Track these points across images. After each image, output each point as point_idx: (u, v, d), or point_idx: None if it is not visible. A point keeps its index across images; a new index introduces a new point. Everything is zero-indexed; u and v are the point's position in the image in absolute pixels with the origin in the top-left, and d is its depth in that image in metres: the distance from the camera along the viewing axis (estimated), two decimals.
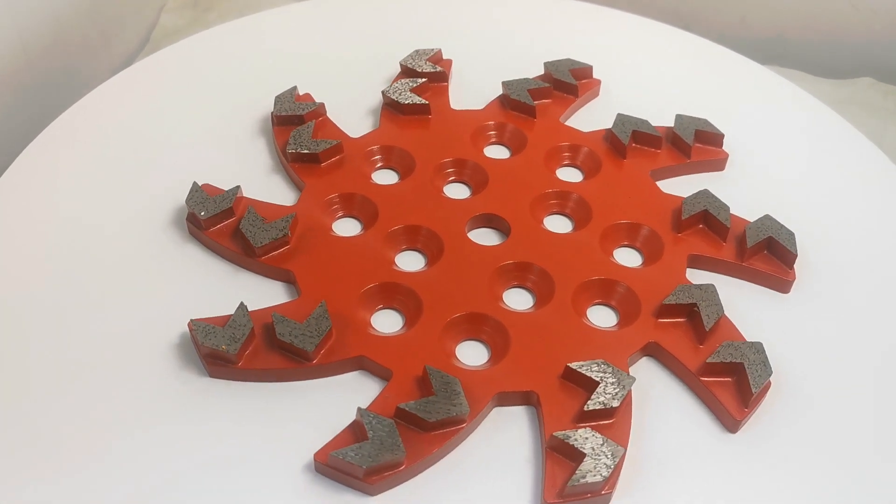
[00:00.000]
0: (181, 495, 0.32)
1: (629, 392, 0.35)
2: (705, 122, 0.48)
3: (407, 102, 0.48)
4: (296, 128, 0.46)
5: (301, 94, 0.49)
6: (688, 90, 0.53)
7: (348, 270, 0.40)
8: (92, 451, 0.33)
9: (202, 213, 0.41)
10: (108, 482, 0.32)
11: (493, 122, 0.49)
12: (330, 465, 0.32)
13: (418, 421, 0.33)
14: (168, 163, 0.46)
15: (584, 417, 0.34)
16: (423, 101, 0.49)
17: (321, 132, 0.47)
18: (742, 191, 0.46)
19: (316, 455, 0.33)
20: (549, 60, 0.52)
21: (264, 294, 0.39)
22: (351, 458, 0.32)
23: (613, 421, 0.34)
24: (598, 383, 0.35)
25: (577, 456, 0.32)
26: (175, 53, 0.55)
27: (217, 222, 0.41)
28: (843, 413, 0.36)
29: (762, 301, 0.41)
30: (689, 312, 0.38)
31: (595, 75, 0.52)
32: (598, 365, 0.35)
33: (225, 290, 0.40)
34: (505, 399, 0.35)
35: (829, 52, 0.71)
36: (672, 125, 0.48)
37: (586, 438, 0.33)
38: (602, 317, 0.39)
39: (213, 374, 0.36)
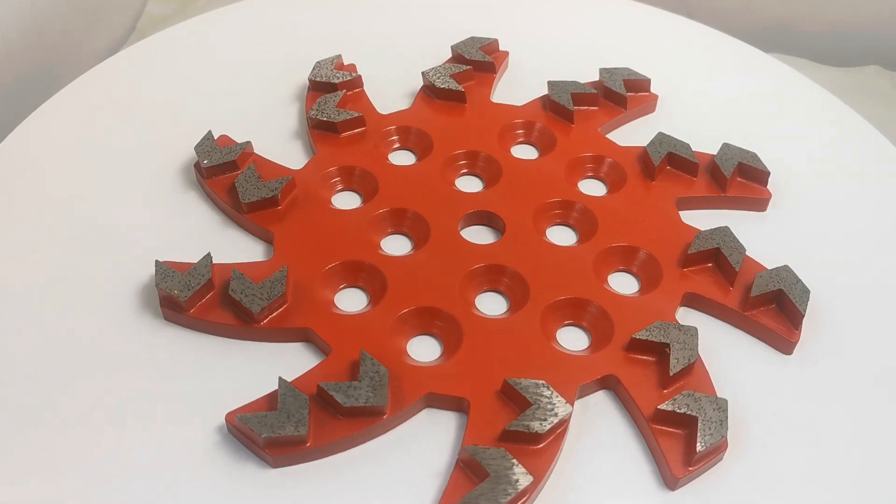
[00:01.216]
0: (99, 424, 0.33)
1: (564, 422, 0.32)
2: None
3: (443, 87, 0.47)
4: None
5: (346, 63, 0.49)
6: (744, 112, 0.50)
7: (326, 243, 0.39)
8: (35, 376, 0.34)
9: (205, 161, 0.41)
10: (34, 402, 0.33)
11: (522, 121, 0.47)
12: (236, 427, 0.32)
13: (334, 403, 0.32)
14: (155, 153, 0.45)
15: (507, 437, 0.32)
16: (459, 87, 0.47)
17: (351, 104, 0.47)
18: (678, 128, 0.45)
19: (227, 415, 0.32)
20: (607, 67, 0.49)
21: (244, 251, 0.40)
22: (253, 425, 0.31)
23: (540, 447, 0.32)
24: (531, 405, 0.32)
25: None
26: (162, 41, 0.53)
27: (219, 173, 0.41)
28: (874, 310, 0.37)
29: (759, 357, 0.37)
30: (660, 352, 0.35)
31: (659, 89, 0.49)
32: (539, 387, 0.33)
33: (211, 241, 0.40)
34: (436, 401, 0.34)
35: (835, 40, 0.69)
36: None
37: (495, 458, 0.31)
38: (571, 339, 0.37)
39: (166, 318, 0.36)
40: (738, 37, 0.56)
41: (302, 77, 0.49)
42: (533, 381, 0.33)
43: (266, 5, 0.57)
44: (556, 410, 0.32)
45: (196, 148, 0.42)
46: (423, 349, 0.36)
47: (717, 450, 0.32)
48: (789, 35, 0.70)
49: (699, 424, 0.32)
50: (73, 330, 0.36)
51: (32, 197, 0.42)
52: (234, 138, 0.44)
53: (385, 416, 0.33)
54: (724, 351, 0.37)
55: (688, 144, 0.44)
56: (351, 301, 0.38)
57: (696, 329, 0.35)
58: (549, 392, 0.33)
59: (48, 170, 0.44)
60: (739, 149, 0.44)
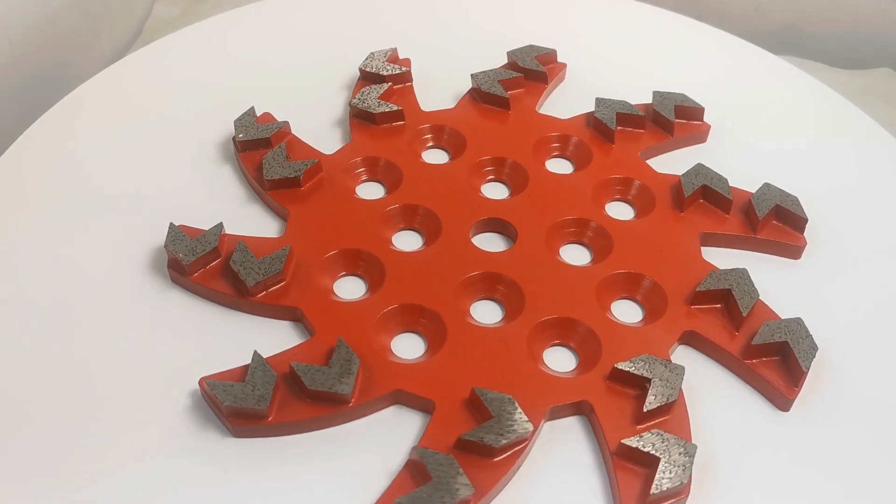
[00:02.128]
0: (80, 372, 0.34)
1: (522, 440, 0.32)
2: (683, 96, 0.46)
3: (487, 91, 0.47)
4: (263, 152, 0.43)
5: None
6: (698, 79, 0.51)
7: (336, 229, 0.40)
8: None
9: (241, 135, 0.42)
10: None
11: (558, 134, 0.46)
12: (205, 392, 0.33)
13: (301, 384, 0.32)
14: (162, 162, 0.45)
15: (462, 446, 0.32)
16: (505, 93, 0.47)
17: (396, 97, 0.47)
18: (730, 161, 0.45)
19: (200, 380, 0.33)
20: (512, 49, 0.50)
21: (261, 227, 0.40)
22: (219, 392, 0.32)
23: (494, 461, 0.31)
24: (492, 417, 0.32)
25: (647, 460, 0.31)
26: (169, 45, 0.53)
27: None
28: (889, 378, 0.36)
29: (773, 270, 0.40)
30: (641, 386, 0.34)
31: (714, 118, 0.48)
32: (504, 401, 0.32)
33: (233, 213, 0.41)
34: (405, 399, 0.34)
35: (845, 42, 0.69)
36: (649, 102, 0.47)
37: (441, 464, 0.30)
38: (558, 359, 0.36)
39: (171, 279, 0.37)
40: (747, 38, 0.55)
41: (345, 75, 0.50)
42: (500, 394, 0.33)
43: (276, 8, 0.57)
44: (515, 427, 0.32)
45: (235, 122, 0.43)
46: (408, 346, 0.36)
47: (675, 495, 0.31)
48: (799, 37, 0.70)
49: (660, 465, 0.31)
50: (87, 279, 0.38)
51: (43, 197, 0.42)
52: (278, 117, 0.45)
53: (349, 406, 0.33)
54: (716, 396, 0.35)
55: (725, 179, 0.42)
56: (349, 290, 0.38)
57: (682, 368, 0.34)
58: (514, 408, 0.32)
59: (60, 171, 0.44)
60: (780, 190, 0.42)
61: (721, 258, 0.40)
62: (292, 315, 0.37)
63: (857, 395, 0.35)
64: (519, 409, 0.32)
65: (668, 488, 0.30)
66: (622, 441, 0.32)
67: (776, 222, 0.41)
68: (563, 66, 0.51)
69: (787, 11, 0.69)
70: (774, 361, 0.35)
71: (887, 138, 0.48)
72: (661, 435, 0.32)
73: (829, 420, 0.34)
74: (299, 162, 0.42)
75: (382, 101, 0.46)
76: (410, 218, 0.41)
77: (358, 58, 0.50)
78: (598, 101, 0.46)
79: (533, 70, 0.49)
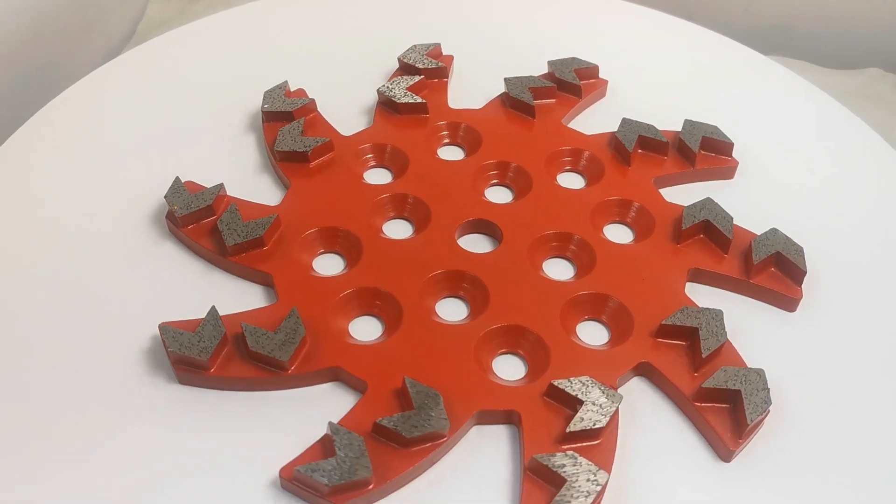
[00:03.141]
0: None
1: (616, 412, 0.33)
2: (715, 129, 0.46)
3: (403, 102, 0.47)
4: (285, 125, 0.44)
5: (293, 89, 0.48)
6: (693, 84, 0.52)
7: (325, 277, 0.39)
8: (55, 458, 0.32)
9: (178, 210, 0.39)
10: (67, 490, 0.31)
11: (486, 123, 0.47)
12: (295, 480, 0.31)
13: (397, 437, 0.32)
14: (152, 159, 0.45)
15: (568, 439, 0.32)
16: (420, 99, 0.47)
17: (312, 130, 0.46)
18: (749, 198, 0.44)
19: (281, 470, 0.31)
20: (553, 59, 0.50)
21: (239, 296, 0.38)
22: (316, 476, 0.30)
23: (599, 442, 0.32)
24: (582, 402, 0.33)
25: (556, 481, 0.31)
26: (162, 45, 0.54)
27: (195, 220, 0.40)
28: (847, 445, 0.34)
29: (765, 319, 0.39)
30: (690, 335, 0.36)
31: (603, 73, 0.50)
32: (584, 383, 0.33)
33: (198, 290, 0.38)
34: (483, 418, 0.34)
35: (835, 42, 0.70)
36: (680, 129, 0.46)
37: (565, 463, 0.31)
38: (592, 333, 0.37)
39: (182, 381, 0.35)
40: (736, 39, 0.56)
41: (250, 105, 0.48)
42: (427, 387, 0.33)
43: (267, 8, 0.57)
44: (432, 423, 0.32)
45: (265, 93, 0.44)
46: (366, 329, 0.37)
47: (763, 418, 0.33)
48: (789, 37, 0.70)
49: (564, 487, 0.30)
50: (83, 405, 0.34)
51: (24, 213, 0.42)
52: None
53: (286, 373, 0.34)
54: (659, 433, 0.34)
55: (730, 217, 0.41)
56: (326, 266, 0.39)
57: (620, 397, 0.33)
58: (436, 403, 0.32)
59: (38, 186, 0.43)
60: (786, 238, 0.40)
61: (713, 299, 0.39)
62: (264, 280, 0.38)
63: (807, 463, 0.34)
64: (441, 406, 0.32)
65: (759, 413, 0.32)
66: (534, 456, 0.31)
67: (775, 270, 0.39)
68: (605, 82, 0.50)
69: (778, 11, 0.69)
70: (724, 409, 0.34)
71: (877, 140, 0.48)
72: (575, 458, 0.31)
73: (770, 478, 0.33)
74: (311, 138, 0.43)
75: (408, 92, 0.47)
76: (401, 207, 0.42)
77: (240, 97, 0.49)
78: (624, 122, 0.46)
79: (568, 83, 0.48)
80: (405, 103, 0.47)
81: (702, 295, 0.39)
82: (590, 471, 0.31)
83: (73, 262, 0.40)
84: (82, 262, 0.39)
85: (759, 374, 0.34)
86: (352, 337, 0.36)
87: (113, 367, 0.35)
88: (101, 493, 0.31)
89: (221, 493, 0.31)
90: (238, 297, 0.38)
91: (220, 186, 0.41)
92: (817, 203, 0.44)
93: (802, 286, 0.39)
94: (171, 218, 0.40)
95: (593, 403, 0.33)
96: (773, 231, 0.39)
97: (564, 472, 0.31)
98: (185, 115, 0.48)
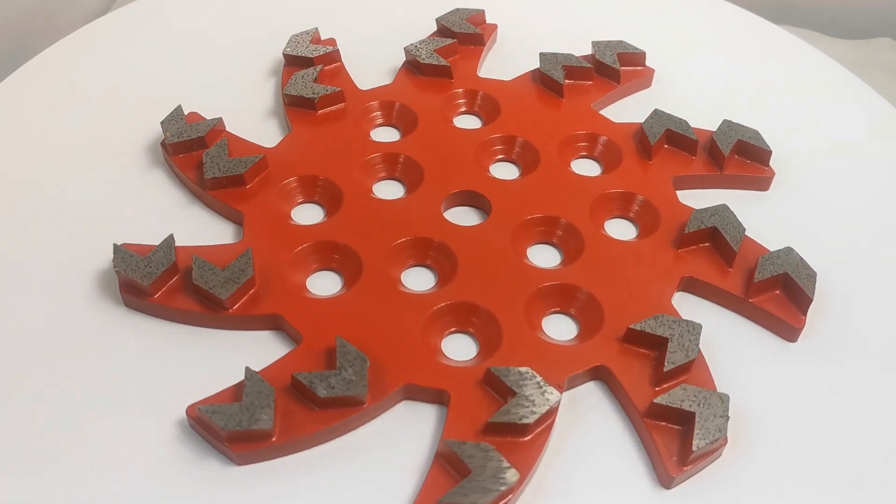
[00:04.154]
0: (55, 415, 0.31)
1: (551, 411, 0.30)
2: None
3: (426, 62, 0.44)
4: (201, 152, 0.40)
5: (324, 38, 0.46)
6: (759, 88, 0.48)
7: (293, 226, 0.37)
8: None
9: (169, 136, 0.39)
10: None
11: (510, 96, 0.44)
12: (197, 420, 0.30)
13: (311, 395, 0.30)
14: (167, 97, 0.43)
15: (491, 430, 0.30)
16: (444, 62, 0.45)
17: (329, 80, 0.44)
18: (780, 215, 0.40)
19: (188, 408, 0.30)
20: (599, 40, 0.47)
21: (212, 232, 0.37)
22: (215, 418, 0.29)
23: (527, 440, 0.30)
24: (514, 393, 0.30)
25: (463, 471, 0.28)
26: (145, 6, 0.51)
27: (185, 149, 0.39)
28: (813, 496, 0.30)
29: (760, 346, 0.35)
30: (660, 346, 0.33)
31: (656, 63, 0.47)
32: (522, 374, 0.31)
33: (174, 220, 0.38)
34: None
35: (844, 11, 0.67)
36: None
37: (475, 454, 0.28)
38: (558, 327, 0.34)
39: (127, 304, 0.34)
40: (743, 7, 0.54)
41: (268, 61, 0.47)
42: (518, 368, 0.31)
43: (158, 6, 0.53)
44: (545, 398, 0.30)
45: (162, 123, 0.40)
46: (325, 283, 0.35)
47: (716, 448, 0.30)
48: (797, 6, 0.67)
49: (696, 420, 0.29)
50: (26, 316, 0.34)
51: (27, 135, 0.42)
52: (205, 115, 0.41)
53: (363, 407, 0.31)
54: (722, 338, 0.34)
55: (685, 121, 0.41)
56: (323, 286, 0.36)
57: (700, 326, 0.32)
58: (538, 379, 0.30)
59: (11, 142, 0.42)
60: (740, 126, 0.41)
61: (707, 316, 0.35)
62: (237, 218, 0.37)
63: (853, 316, 0.35)
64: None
65: (709, 442, 0.29)
66: (445, 440, 0.29)
67: (780, 293, 0.35)
68: (651, 71, 0.47)
69: None
70: (777, 295, 0.35)
71: (890, 110, 0.46)
72: (487, 451, 0.29)
73: (837, 346, 0.34)
74: (321, 86, 0.41)
75: (434, 54, 0.45)
76: (392, 167, 0.40)
77: (276, 42, 0.47)
78: (654, 113, 0.42)
79: (608, 66, 0.45)
80: (428, 64, 0.45)
81: (694, 309, 0.36)
82: (499, 468, 0.28)
83: (60, 177, 0.39)
84: (70, 177, 0.39)
85: (723, 398, 0.30)
86: (307, 290, 0.35)
87: (70, 285, 0.35)
88: (21, 402, 0.31)
89: (130, 425, 0.30)
90: (212, 232, 0.37)
91: (218, 120, 0.40)
92: (855, 230, 0.40)
93: (807, 316, 0.34)
94: (128, 290, 0.34)
95: (526, 398, 0.30)
96: (788, 250, 0.35)
97: (472, 462, 0.28)
98: (208, 60, 0.47)
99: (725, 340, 0.34)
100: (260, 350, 0.33)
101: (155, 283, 0.33)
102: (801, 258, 0.35)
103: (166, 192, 0.40)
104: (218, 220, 0.38)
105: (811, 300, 0.34)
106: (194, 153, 0.39)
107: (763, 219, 0.39)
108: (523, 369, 0.31)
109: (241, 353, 0.33)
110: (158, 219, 0.38)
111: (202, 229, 0.38)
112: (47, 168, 0.40)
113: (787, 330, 0.34)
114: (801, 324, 0.34)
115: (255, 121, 0.43)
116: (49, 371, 0.32)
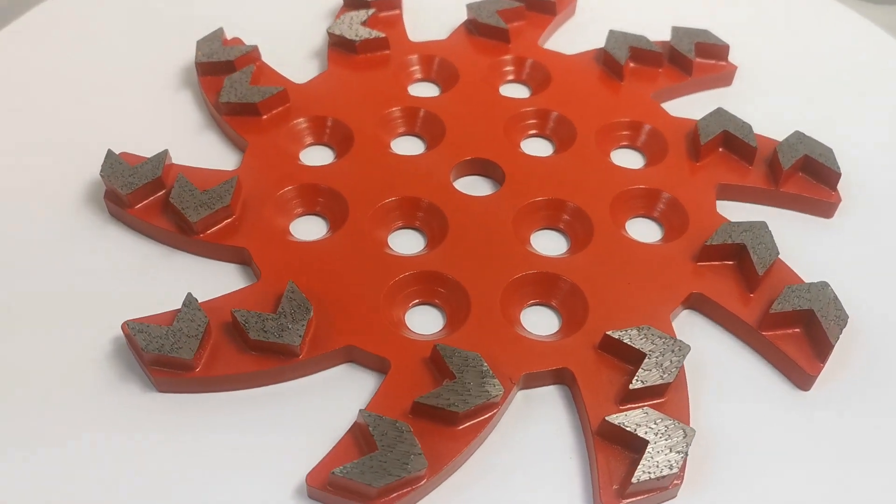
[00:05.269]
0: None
1: (489, 405, 0.27)
2: (706, 32, 0.41)
3: (484, 22, 0.42)
4: (227, 76, 0.38)
5: (228, 38, 0.41)
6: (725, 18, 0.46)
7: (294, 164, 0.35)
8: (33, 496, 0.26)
9: (123, 189, 0.33)
10: None
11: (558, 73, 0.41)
12: (330, 486, 0.25)
13: (445, 414, 0.27)
14: (74, 129, 0.38)
15: (420, 412, 0.27)
16: (503, 25, 0.42)
17: (382, 26, 0.42)
18: (753, 103, 0.40)
19: (308, 477, 0.26)
20: (680, 26, 0.42)
21: (208, 278, 0.32)
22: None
23: (665, 400, 0.28)
24: (455, 378, 0.27)
25: (635, 444, 0.26)
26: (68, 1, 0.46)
27: (143, 197, 0.33)
28: None
29: (802, 228, 0.35)
30: (738, 254, 0.32)
31: (744, 59, 0.43)
32: (468, 358, 0.28)
33: (157, 279, 0.32)
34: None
35: None
36: (669, 39, 0.42)
37: (389, 433, 0.26)
38: (536, 321, 0.31)
39: (110, 213, 0.33)
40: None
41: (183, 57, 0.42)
42: (634, 328, 0.29)
43: None
44: (675, 352, 0.28)
45: (198, 42, 0.39)
46: (309, 228, 0.34)
47: (662, 486, 0.26)
48: None
49: (648, 450, 0.26)
50: (14, 210, 0.34)
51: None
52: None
53: (296, 360, 0.29)
54: (720, 369, 0.30)
55: (749, 125, 0.37)
56: (308, 231, 0.34)
57: (688, 347, 0.29)
58: (658, 335, 0.29)
59: (41, 65, 0.41)
60: (813, 140, 0.37)
61: (743, 215, 0.35)
62: (239, 256, 0.33)
63: (888, 373, 0.31)
64: (487, 368, 0.28)
65: (654, 477, 0.26)
66: (606, 418, 0.27)
67: (803, 175, 0.36)
68: None
69: None
70: (796, 333, 0.30)
71: None
72: (651, 415, 0.27)
73: (856, 401, 0.30)
74: (264, 87, 0.37)
75: (363, 28, 0.41)
76: (412, 123, 0.38)
77: None
78: (611, 34, 0.41)
79: (537, 0, 0.43)
80: (486, 24, 0.42)
81: (700, 332, 0.32)
82: (408, 452, 0.25)
83: (89, 89, 0.39)
84: (12, 263, 0.32)
85: (687, 432, 0.27)
86: (289, 233, 0.33)
87: (75, 381, 0.29)
88: None
89: (64, 334, 0.30)
90: (218, 159, 0.36)
91: (253, 48, 0.38)
92: (826, 99, 0.41)
93: (825, 364, 0.30)
94: (111, 198, 0.33)
95: (463, 385, 0.27)
96: (822, 285, 0.31)
97: (382, 440, 0.26)
98: (105, 76, 0.41)
99: (724, 373, 0.30)
100: (229, 284, 0.32)
101: (134, 195, 0.33)
102: (835, 297, 0.30)
103: (188, 113, 0.39)
104: (228, 147, 0.37)
105: (839, 174, 0.33)
106: (222, 76, 0.39)
107: (816, 249, 0.34)
108: (471, 354, 0.28)
109: (206, 282, 0.32)
110: (172, 137, 0.37)
111: (211, 154, 0.37)
112: (72, 86, 0.40)
113: (800, 375, 0.30)
114: (817, 371, 0.29)
115: (301, 57, 0.42)
116: (14, 263, 0.31)
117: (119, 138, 0.36)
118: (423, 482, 0.25)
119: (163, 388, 0.28)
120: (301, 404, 0.28)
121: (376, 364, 0.29)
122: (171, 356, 0.27)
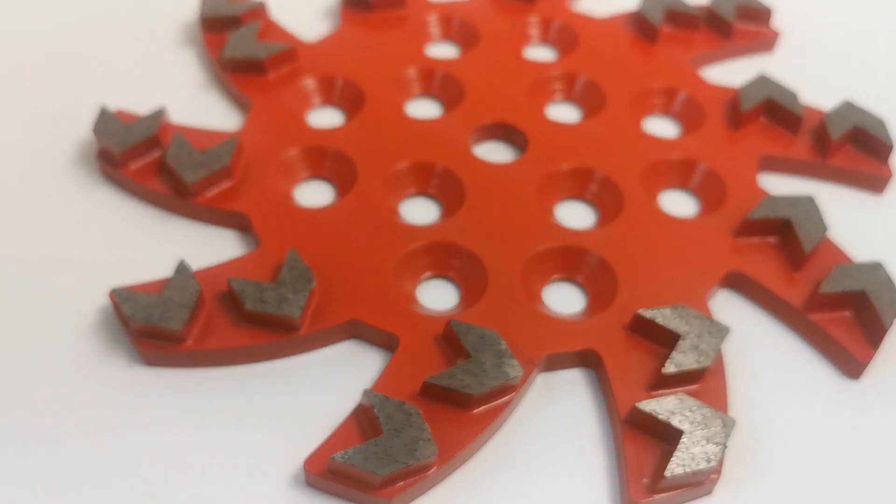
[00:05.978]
0: None
1: (508, 387, 0.25)
2: (878, 122, 0.35)
3: None
4: (232, 31, 0.36)
5: None
6: None
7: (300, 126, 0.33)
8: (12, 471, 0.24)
9: (116, 147, 0.31)
10: None
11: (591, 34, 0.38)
12: (330, 473, 0.23)
13: (458, 397, 0.25)
14: (70, 86, 0.36)
15: (431, 394, 0.25)
16: None
17: (267, 38, 0.37)
18: (798, 71, 0.38)
19: (307, 463, 0.24)
20: None
21: (204, 245, 0.30)
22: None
23: (700, 386, 0.26)
24: (469, 357, 0.25)
25: (668, 434, 0.24)
26: None
27: (137, 157, 0.31)
28: None
29: (851, 204, 0.33)
30: (782, 231, 0.29)
31: (791, 24, 0.40)
32: (486, 336, 0.26)
33: (150, 245, 0.30)
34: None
35: None
36: (708, 3, 0.39)
37: (396, 416, 0.24)
38: (561, 298, 0.29)
39: (103, 173, 0.31)
40: None
41: (182, 13, 0.40)
42: (667, 307, 0.26)
43: None
44: (711, 334, 0.26)
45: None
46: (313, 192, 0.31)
47: (698, 482, 0.24)
48: None
49: (682, 441, 0.24)
50: (3, 173, 0.32)
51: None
52: (135, 110, 0.33)
53: (297, 334, 0.26)
54: (762, 355, 0.28)
55: (794, 93, 0.34)
56: (312, 196, 0.32)
57: (727, 329, 0.26)
58: (694, 315, 0.26)
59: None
60: (864, 111, 0.34)
61: (785, 189, 0.33)
62: (238, 222, 0.30)
63: None
64: (505, 347, 0.25)
65: (690, 470, 0.23)
66: (636, 405, 0.24)
67: (852, 147, 0.34)
68: None
69: None
70: (845, 317, 0.28)
71: None
72: (686, 402, 0.24)
73: None
74: (270, 44, 0.35)
75: None
76: (428, 84, 0.36)
77: None
78: None
79: None
80: None
81: (739, 312, 0.29)
82: (417, 438, 0.23)
83: (86, 41, 0.37)
84: (96, 44, 0.35)
85: (726, 422, 0.24)
86: (292, 199, 0.31)
87: (58, 352, 0.27)
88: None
89: (50, 302, 0.28)
90: (220, 119, 0.34)
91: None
92: (877, 68, 0.38)
93: (878, 350, 0.27)
94: (104, 157, 0.31)
95: (479, 365, 0.25)
96: (876, 265, 0.28)
97: (388, 424, 0.23)
98: (103, 30, 0.39)
99: (766, 358, 0.28)
100: (227, 252, 0.29)
101: (128, 154, 0.30)
102: (889, 279, 0.28)
103: (189, 71, 0.37)
104: (231, 108, 0.35)
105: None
106: (227, 33, 0.36)
107: (865, 227, 0.32)
108: (488, 331, 0.25)
109: (202, 249, 0.29)
110: (172, 96, 0.35)
111: (212, 114, 0.34)
112: (70, 39, 0.38)
113: (849, 362, 0.27)
114: (868, 358, 0.27)
115: (312, 17, 0.40)
116: (84, 461, 0.25)
117: (116, 96, 0.35)
118: (432, 470, 0.23)
119: (151, 361, 0.26)
120: (300, 383, 0.26)
121: (383, 341, 0.27)
122: (160, 326, 0.25)
